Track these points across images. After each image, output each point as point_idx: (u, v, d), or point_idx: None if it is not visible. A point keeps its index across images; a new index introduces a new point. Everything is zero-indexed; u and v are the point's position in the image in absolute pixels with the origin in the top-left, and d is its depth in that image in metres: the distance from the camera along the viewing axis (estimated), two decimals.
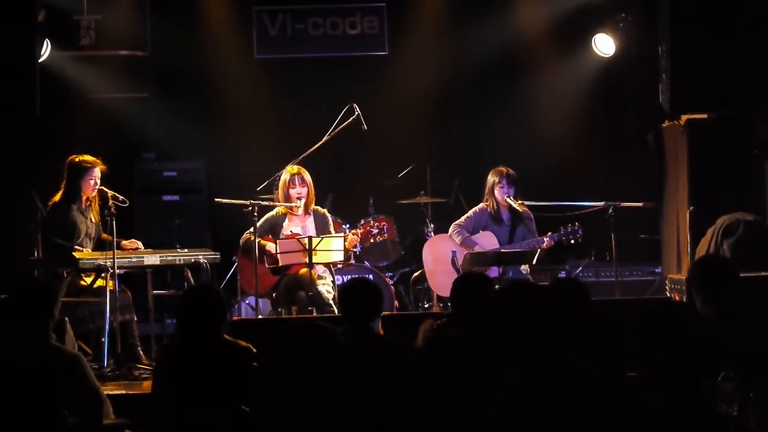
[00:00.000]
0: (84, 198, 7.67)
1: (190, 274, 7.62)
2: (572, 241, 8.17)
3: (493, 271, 7.99)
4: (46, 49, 9.02)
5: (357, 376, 4.46)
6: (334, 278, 8.16)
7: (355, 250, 8.86)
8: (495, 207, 8.39)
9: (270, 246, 7.98)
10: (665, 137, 9.14)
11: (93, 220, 7.73)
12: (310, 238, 7.76)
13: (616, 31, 9.82)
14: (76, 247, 7.51)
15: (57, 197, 7.64)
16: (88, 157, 7.68)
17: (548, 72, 10.41)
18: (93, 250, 7.58)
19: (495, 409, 3.53)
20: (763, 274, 7.22)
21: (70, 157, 7.70)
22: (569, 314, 4.33)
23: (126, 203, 7.52)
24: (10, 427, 4.64)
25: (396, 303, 8.87)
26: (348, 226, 9.00)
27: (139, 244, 7.76)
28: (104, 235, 7.66)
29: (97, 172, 7.65)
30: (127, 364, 7.32)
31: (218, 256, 7.83)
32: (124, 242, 7.67)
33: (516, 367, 3.60)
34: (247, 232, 8.04)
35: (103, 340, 7.19)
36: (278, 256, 7.86)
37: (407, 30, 10.61)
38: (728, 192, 8.46)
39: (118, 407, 5.27)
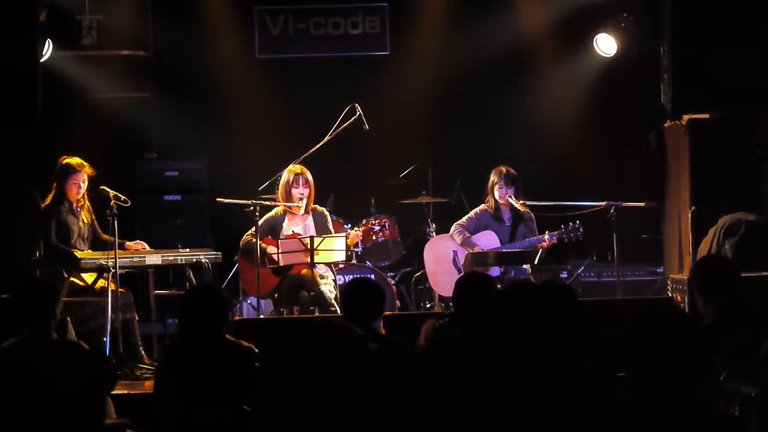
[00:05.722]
0: (71, 201, 7.61)
1: (191, 274, 7.62)
2: (573, 239, 8.17)
3: (495, 271, 8.00)
4: (47, 49, 9.01)
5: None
6: (335, 278, 8.15)
7: (356, 249, 8.85)
8: (495, 207, 8.39)
9: (271, 249, 7.96)
10: (667, 137, 9.12)
11: (85, 221, 7.68)
12: (311, 237, 7.76)
13: (617, 31, 9.81)
14: (74, 251, 7.49)
15: (48, 200, 7.60)
16: (73, 160, 7.59)
17: (550, 72, 10.40)
18: (90, 250, 7.57)
19: (496, 409, 3.53)
20: (765, 273, 7.21)
21: (60, 157, 7.66)
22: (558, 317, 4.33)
23: (128, 203, 7.51)
24: (10, 428, 4.64)
25: (398, 303, 8.87)
26: (349, 226, 9.00)
27: (145, 245, 7.73)
28: (105, 236, 7.64)
29: (83, 175, 7.55)
30: (129, 364, 7.32)
31: (220, 256, 7.83)
32: (128, 243, 7.65)
33: (517, 367, 3.60)
34: (247, 234, 8.03)
35: (104, 339, 7.20)
36: (279, 256, 7.85)
37: (409, 30, 10.60)
38: (730, 192, 8.45)
39: (119, 407, 5.28)
